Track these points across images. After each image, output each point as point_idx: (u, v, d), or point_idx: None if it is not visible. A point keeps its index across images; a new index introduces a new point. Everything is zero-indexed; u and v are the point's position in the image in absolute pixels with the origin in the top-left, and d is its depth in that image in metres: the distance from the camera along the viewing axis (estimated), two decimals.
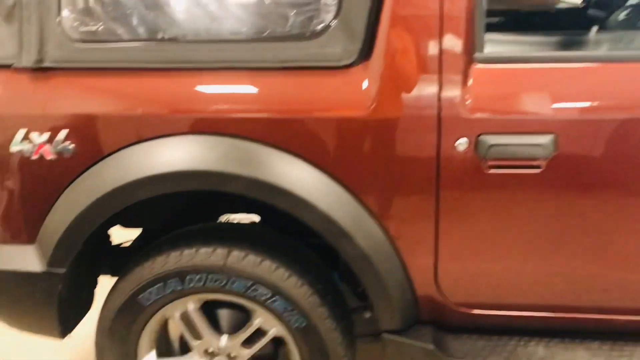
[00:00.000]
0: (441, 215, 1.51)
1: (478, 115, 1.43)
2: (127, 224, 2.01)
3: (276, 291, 1.60)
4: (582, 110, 1.42)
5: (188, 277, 1.62)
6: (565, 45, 1.67)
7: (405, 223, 1.53)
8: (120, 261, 2.00)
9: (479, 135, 1.43)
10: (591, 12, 2.50)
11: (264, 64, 1.47)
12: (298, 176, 1.50)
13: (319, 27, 1.45)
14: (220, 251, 1.60)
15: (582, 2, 2.61)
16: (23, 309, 1.71)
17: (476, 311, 1.63)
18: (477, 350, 1.61)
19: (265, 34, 1.48)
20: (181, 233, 1.73)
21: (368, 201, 1.51)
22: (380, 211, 1.52)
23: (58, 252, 1.61)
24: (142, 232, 2.21)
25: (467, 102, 1.43)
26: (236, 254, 1.60)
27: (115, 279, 1.95)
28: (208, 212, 1.99)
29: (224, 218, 2.05)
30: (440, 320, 1.67)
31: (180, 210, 1.97)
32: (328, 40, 1.43)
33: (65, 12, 1.52)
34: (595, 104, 1.42)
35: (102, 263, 1.97)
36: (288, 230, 1.78)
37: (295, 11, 1.46)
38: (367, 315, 1.95)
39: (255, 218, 2.00)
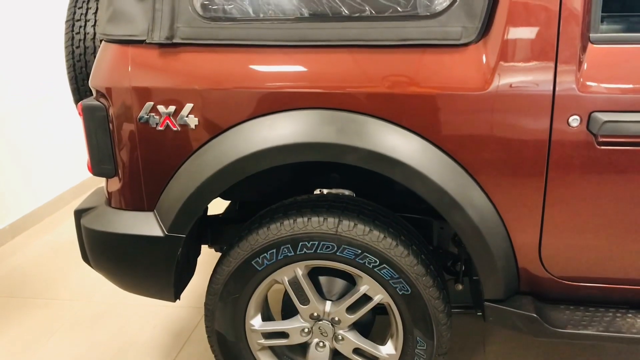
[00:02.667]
0: (549, 189, 1.57)
1: (591, 93, 1.48)
2: (226, 196, 2.12)
3: (383, 259, 1.69)
4: None
5: (301, 244, 1.71)
6: None
7: (514, 197, 1.59)
8: (219, 231, 2.11)
9: (591, 113, 1.49)
10: None
11: (385, 41, 1.54)
12: (413, 150, 1.57)
13: (441, 6, 1.51)
14: (332, 220, 1.69)
15: None
16: (143, 272, 1.82)
17: (575, 283, 1.69)
18: (577, 320, 1.67)
19: (387, 13, 1.56)
20: (291, 203, 1.82)
21: (479, 175, 1.58)
22: (490, 185, 1.59)
23: (180, 217, 1.71)
24: (237, 204, 2.32)
25: (581, 81, 1.48)
26: (346, 223, 1.69)
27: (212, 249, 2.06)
28: (304, 186, 2.09)
29: (318, 191, 2.14)
30: (538, 292, 1.74)
31: (276, 185, 2.06)
32: (449, 19, 1.50)
33: None
34: None
35: (204, 232, 2.09)
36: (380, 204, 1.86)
37: None
38: (459, 287, 2.03)
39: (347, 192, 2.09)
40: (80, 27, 2.09)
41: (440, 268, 1.84)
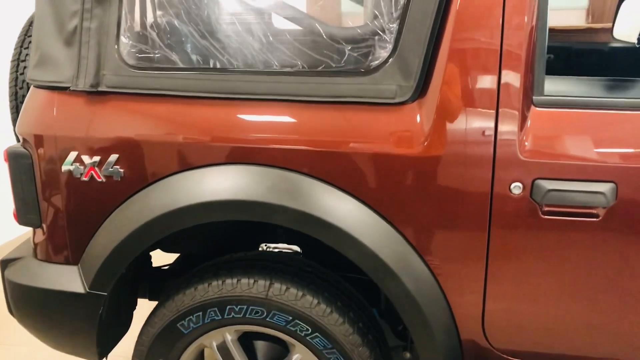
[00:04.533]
0: (491, 257, 1.47)
1: (535, 158, 1.39)
2: (167, 248, 2.01)
3: (316, 327, 1.57)
4: None
5: (228, 307, 1.60)
6: (625, 89, 1.62)
7: (453, 264, 1.49)
8: (159, 285, 2.01)
9: (535, 179, 1.39)
10: None
11: (318, 97, 1.46)
12: (346, 212, 1.47)
13: (374, 63, 1.43)
14: (262, 282, 1.59)
15: (638, 41, 2.55)
16: (63, 328, 1.72)
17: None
18: None
19: (320, 68, 1.48)
20: (222, 261, 1.71)
21: (416, 240, 1.48)
22: (428, 251, 1.48)
23: (102, 274, 1.61)
24: (181, 256, 2.21)
25: (524, 145, 1.39)
26: (277, 287, 1.58)
27: (152, 302, 1.95)
28: (248, 240, 1.99)
29: (263, 246, 2.04)
30: None
31: (221, 237, 1.96)
32: (383, 76, 1.42)
33: (123, 39, 1.54)
34: None
35: (142, 286, 1.98)
36: (328, 262, 1.76)
37: (351, 46, 1.45)
38: (407, 356, 1.90)
39: (294, 248, 1.99)
40: (25, 67, 2.03)
41: (382, 336, 1.72)
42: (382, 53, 1.43)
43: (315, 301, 1.57)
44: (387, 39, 1.42)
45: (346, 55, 1.47)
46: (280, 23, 1.62)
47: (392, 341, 1.88)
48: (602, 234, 1.39)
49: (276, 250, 1.95)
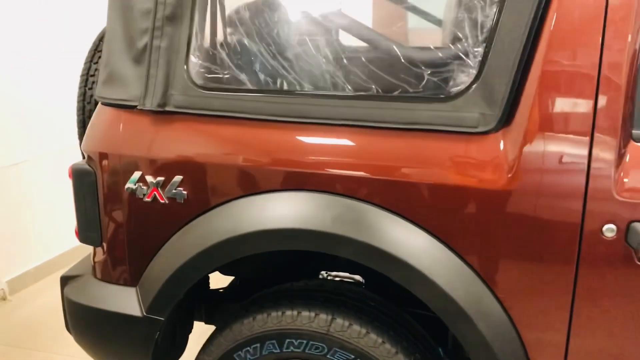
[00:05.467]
0: (576, 307, 1.33)
1: (632, 199, 1.25)
2: (225, 271, 1.96)
3: None
4: None
5: (287, 341, 1.52)
6: None
7: (534, 311, 1.36)
8: (215, 308, 1.95)
9: (631, 222, 1.25)
10: None
11: (392, 124, 1.37)
12: (418, 247, 1.37)
13: (456, 89, 1.33)
14: (324, 317, 1.50)
15: None
16: (118, 350, 1.68)
17: None
18: None
19: (395, 93, 1.39)
20: (283, 290, 1.64)
21: (494, 281, 1.36)
22: (507, 294, 1.36)
23: (159, 300, 1.56)
24: (238, 279, 2.15)
25: (621, 182, 1.25)
26: (340, 322, 1.49)
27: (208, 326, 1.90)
28: (308, 267, 1.90)
29: (324, 273, 1.95)
30: None
31: (280, 263, 1.89)
32: (465, 103, 1.31)
33: (192, 58, 1.50)
34: None
35: (198, 308, 1.93)
36: (392, 295, 1.65)
37: (430, 71, 1.36)
38: None
39: (357, 277, 1.89)
40: (94, 83, 2.03)
41: None
42: (465, 78, 1.33)
43: (380, 340, 1.47)
44: (471, 64, 1.32)
45: (425, 80, 1.37)
46: (354, 43, 1.54)
47: None
48: None
49: (337, 279, 1.86)
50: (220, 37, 1.69)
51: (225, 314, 1.90)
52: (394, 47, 1.42)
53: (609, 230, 1.26)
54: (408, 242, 1.38)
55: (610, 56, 1.23)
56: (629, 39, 1.23)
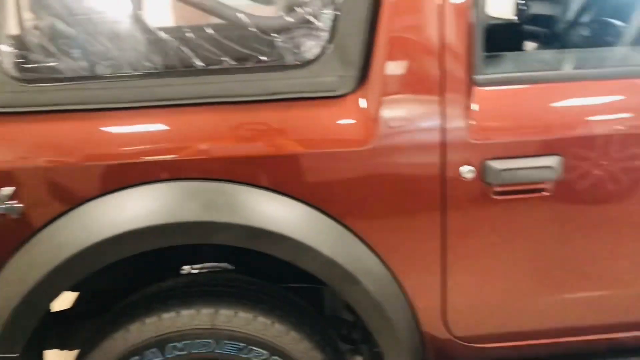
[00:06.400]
0: (448, 247, 1.42)
1: (483, 140, 1.35)
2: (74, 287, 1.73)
3: (274, 350, 1.42)
4: (584, 127, 1.38)
5: (170, 345, 1.40)
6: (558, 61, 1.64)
7: (411, 258, 1.42)
8: (68, 330, 1.72)
9: (485, 161, 1.35)
10: None
11: (250, 97, 1.30)
12: (295, 219, 1.34)
13: (311, 54, 1.31)
14: (206, 311, 1.40)
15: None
16: None
17: (484, 345, 1.55)
18: None
19: (248, 64, 1.32)
20: (152, 293, 1.50)
21: (371, 238, 1.39)
22: (384, 248, 1.40)
23: (7, 334, 1.33)
24: (85, 294, 1.92)
25: (471, 127, 1.34)
26: (224, 313, 1.41)
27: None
28: (168, 265, 1.77)
29: (188, 269, 1.83)
30: (447, 359, 1.57)
31: (133, 267, 1.73)
32: (322, 68, 1.30)
33: (2, 47, 1.27)
34: (596, 119, 1.39)
35: (48, 335, 1.69)
36: (264, 275, 1.61)
37: (282, 38, 1.31)
38: (359, 359, 1.82)
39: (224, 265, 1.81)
40: None
41: (336, 345, 1.62)
42: (318, 42, 1.31)
43: (269, 321, 1.42)
44: (323, 27, 1.30)
45: (277, 48, 1.33)
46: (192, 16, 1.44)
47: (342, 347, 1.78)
48: (554, 207, 1.39)
49: (205, 271, 1.76)
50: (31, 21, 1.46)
51: (84, 333, 1.70)
52: (241, 16, 1.35)
53: (468, 171, 1.35)
54: (285, 216, 1.34)
55: (446, 17, 1.30)
56: None
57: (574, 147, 1.36)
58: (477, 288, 1.47)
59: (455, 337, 1.52)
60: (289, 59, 1.36)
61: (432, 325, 1.50)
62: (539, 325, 1.54)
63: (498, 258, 1.45)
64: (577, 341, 1.55)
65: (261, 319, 1.42)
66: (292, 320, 1.46)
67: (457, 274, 1.44)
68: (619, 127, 1.39)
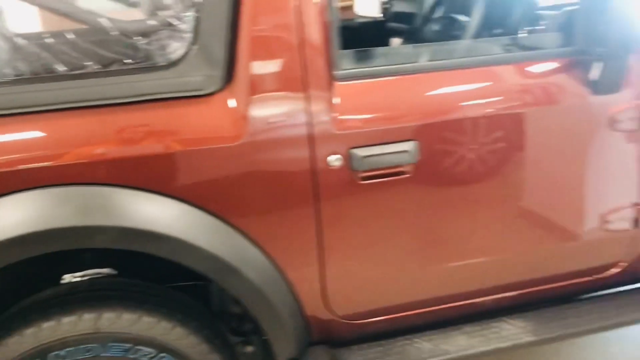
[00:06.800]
0: (323, 232, 1.51)
1: (346, 130, 1.45)
2: None
3: (162, 348, 1.45)
4: (435, 114, 1.52)
5: (52, 355, 1.38)
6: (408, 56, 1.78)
7: (289, 246, 1.50)
8: None
9: (350, 149, 1.45)
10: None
11: (118, 99, 1.31)
12: (172, 218, 1.37)
13: (176, 55, 1.35)
14: (89, 316, 1.40)
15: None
16: None
17: (364, 321, 1.66)
18: (371, 358, 1.63)
19: (114, 67, 1.34)
20: (30, 305, 1.47)
21: (249, 230, 1.45)
22: (263, 239, 1.46)
23: None
24: None
25: (335, 119, 1.44)
26: (108, 316, 1.41)
27: None
28: (45, 276, 1.72)
29: (69, 278, 1.80)
30: (332, 338, 1.67)
31: (9, 279, 1.67)
32: (188, 68, 1.34)
33: None
34: (446, 107, 1.54)
35: None
36: (150, 277, 1.63)
37: (146, 40, 1.34)
38: (249, 349, 1.87)
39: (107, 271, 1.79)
40: None
41: (225, 338, 1.66)
42: (183, 43, 1.35)
43: (155, 320, 1.44)
44: (186, 29, 1.34)
45: (141, 50, 1.35)
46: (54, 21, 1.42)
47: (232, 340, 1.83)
48: (415, 187, 1.53)
49: (86, 278, 1.73)
50: None
51: None
52: (103, 20, 1.35)
53: (336, 160, 1.45)
54: (161, 215, 1.37)
55: (305, 16, 1.39)
56: None
57: (428, 132, 1.50)
58: (353, 269, 1.57)
59: (337, 316, 1.62)
60: (156, 61, 1.38)
61: (315, 308, 1.59)
62: (412, 298, 1.68)
63: (370, 239, 1.56)
64: (446, 308, 1.71)
65: (146, 319, 1.43)
66: (178, 317, 1.49)
67: (334, 257, 1.54)
68: (467, 113, 1.55)
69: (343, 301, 1.61)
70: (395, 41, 2.82)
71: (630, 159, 1.70)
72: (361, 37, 2.43)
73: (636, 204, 1.74)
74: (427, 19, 2.34)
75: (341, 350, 1.66)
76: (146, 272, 1.62)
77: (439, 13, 2.28)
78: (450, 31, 2.05)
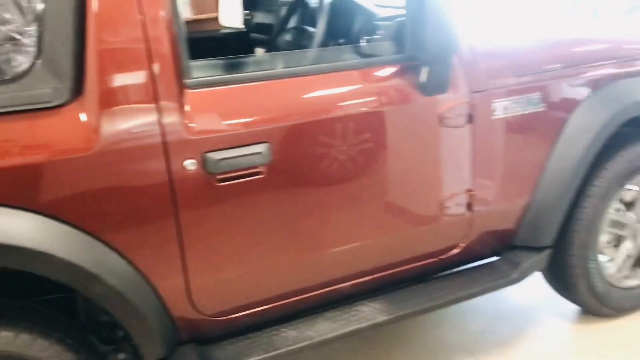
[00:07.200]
0: (183, 235, 1.57)
1: (200, 135, 1.53)
2: None
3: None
4: (283, 119, 1.64)
5: None
6: (259, 64, 1.89)
7: (151, 251, 1.54)
8: None
9: (204, 153, 1.53)
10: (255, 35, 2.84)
11: None
12: (27, 229, 1.38)
13: (21, 68, 1.36)
14: None
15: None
16: None
17: (232, 317, 1.74)
18: (240, 351, 1.72)
19: None
20: None
21: (109, 238, 1.48)
22: (123, 245, 1.50)
23: None
24: None
25: (187, 125, 1.51)
26: None
27: None
28: None
29: None
30: (200, 336, 1.73)
31: None
32: (33, 81, 1.36)
33: None
34: (295, 111, 1.66)
35: None
36: (10, 294, 1.60)
37: None
38: (121, 356, 1.89)
39: None
40: None
41: (93, 347, 1.67)
42: (27, 57, 1.36)
43: (12, 334, 1.44)
44: (29, 43, 1.35)
45: None
46: None
47: (103, 349, 1.84)
48: (270, 186, 1.63)
49: None
50: None
51: None
52: None
53: (191, 164, 1.52)
54: (15, 227, 1.37)
55: (152, 29, 1.45)
56: (162, 11, 1.46)
57: (278, 135, 1.62)
58: (216, 268, 1.65)
59: (205, 315, 1.69)
60: (2, 74, 1.38)
61: (181, 309, 1.65)
62: (275, 291, 1.78)
63: (230, 238, 1.65)
64: (309, 297, 1.83)
65: (4, 334, 1.42)
66: (40, 329, 1.49)
67: (196, 258, 1.61)
68: (315, 116, 1.68)
69: (208, 300, 1.68)
70: (260, 50, 2.94)
71: (461, 150, 1.93)
72: (227, 48, 2.52)
73: (469, 190, 1.97)
74: (282, 29, 2.48)
75: (210, 346, 1.73)
76: (8, 288, 1.60)
77: (292, 24, 2.42)
78: (301, 41, 2.19)
